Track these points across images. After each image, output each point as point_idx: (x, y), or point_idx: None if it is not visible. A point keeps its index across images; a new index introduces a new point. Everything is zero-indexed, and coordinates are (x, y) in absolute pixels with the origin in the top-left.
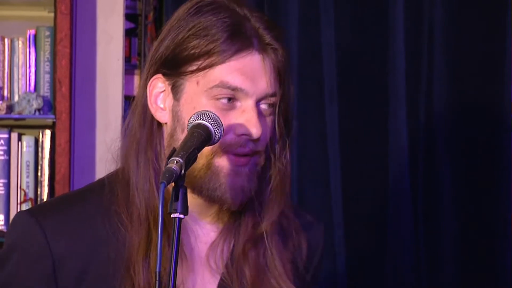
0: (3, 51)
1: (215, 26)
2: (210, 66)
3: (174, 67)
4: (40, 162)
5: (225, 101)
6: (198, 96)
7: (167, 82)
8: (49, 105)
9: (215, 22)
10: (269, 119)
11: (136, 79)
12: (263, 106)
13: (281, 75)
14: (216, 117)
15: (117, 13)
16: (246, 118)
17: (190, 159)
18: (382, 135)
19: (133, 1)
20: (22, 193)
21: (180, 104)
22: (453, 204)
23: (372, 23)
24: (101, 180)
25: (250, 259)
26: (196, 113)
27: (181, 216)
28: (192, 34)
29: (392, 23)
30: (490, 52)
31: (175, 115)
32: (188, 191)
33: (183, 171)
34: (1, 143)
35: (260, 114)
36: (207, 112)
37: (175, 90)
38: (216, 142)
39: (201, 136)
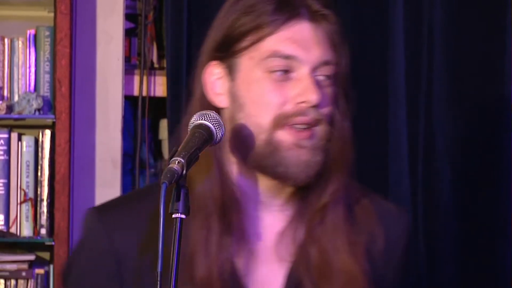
0: (3, 51)
1: (262, 1)
2: (261, 38)
3: (227, 48)
4: (40, 162)
5: (280, 73)
6: (252, 71)
7: (222, 66)
8: (49, 105)
9: None
10: (327, 90)
11: (136, 79)
12: (320, 77)
13: (334, 44)
14: (217, 117)
15: (117, 13)
16: (303, 85)
17: (192, 159)
18: (382, 135)
19: (133, 1)
20: (22, 193)
21: (236, 84)
22: (452, 204)
23: (372, 23)
24: (153, 183)
25: (316, 241)
26: (197, 113)
27: (183, 216)
28: (241, 13)
29: (392, 23)
30: (490, 52)
31: (233, 96)
32: (253, 172)
33: (184, 171)
34: (1, 143)
35: (317, 83)
36: (208, 113)
37: (231, 71)
38: (218, 142)
39: (202, 136)
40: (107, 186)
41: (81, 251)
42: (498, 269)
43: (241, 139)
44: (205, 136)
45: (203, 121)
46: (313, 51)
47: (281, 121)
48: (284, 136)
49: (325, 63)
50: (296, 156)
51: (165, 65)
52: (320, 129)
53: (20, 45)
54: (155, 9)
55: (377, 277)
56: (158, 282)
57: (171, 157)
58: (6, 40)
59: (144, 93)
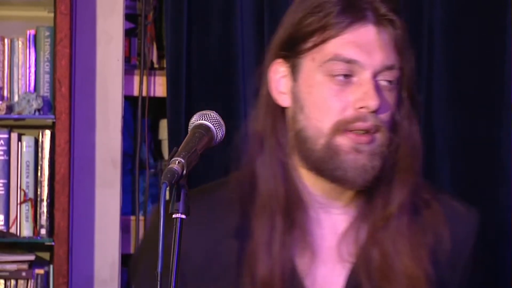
0: (3, 51)
1: (329, 1)
2: (324, 40)
3: (292, 47)
4: (40, 162)
5: (341, 78)
6: (313, 73)
7: (286, 65)
8: (48, 105)
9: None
10: (391, 95)
11: (136, 79)
12: (383, 82)
13: (399, 48)
14: (217, 117)
15: (116, 13)
16: (363, 90)
17: (192, 159)
18: None
19: (133, 1)
20: (22, 193)
21: (298, 84)
22: None
23: None
24: (232, 174)
25: (378, 244)
26: (197, 113)
27: (183, 216)
28: (307, 12)
29: None
30: (490, 52)
31: (295, 96)
32: (313, 173)
33: (184, 171)
34: (1, 143)
35: (378, 88)
36: (208, 113)
37: (294, 71)
38: (218, 143)
39: (202, 137)
40: (107, 186)
41: (147, 247)
42: (498, 269)
43: (301, 141)
44: (205, 136)
45: (203, 121)
46: (376, 55)
47: (341, 127)
48: (343, 140)
49: (388, 68)
50: (354, 160)
51: (165, 65)
52: (380, 135)
53: (20, 45)
54: (155, 9)
55: (443, 279)
56: (158, 283)
57: (171, 157)
58: (6, 40)
59: (144, 93)
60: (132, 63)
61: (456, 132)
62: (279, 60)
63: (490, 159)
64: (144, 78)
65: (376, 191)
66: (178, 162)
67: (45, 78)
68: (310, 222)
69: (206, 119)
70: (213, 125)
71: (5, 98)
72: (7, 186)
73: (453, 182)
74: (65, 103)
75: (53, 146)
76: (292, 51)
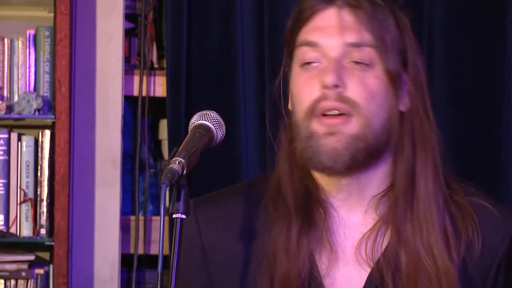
0: (3, 51)
1: None
2: (298, 33)
3: (289, 45)
4: (39, 162)
5: (308, 67)
6: (294, 68)
7: (289, 68)
8: (48, 105)
9: None
10: (366, 76)
11: (136, 79)
12: (351, 64)
13: (370, 27)
14: (217, 117)
15: (116, 13)
16: (324, 70)
17: (192, 159)
18: None
19: (133, 1)
20: (22, 193)
21: (291, 83)
22: None
23: None
24: (260, 175)
25: (405, 243)
26: (198, 113)
27: (183, 216)
28: (292, 15)
29: None
30: (490, 52)
31: (292, 99)
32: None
33: (185, 171)
34: (1, 143)
35: (349, 70)
36: (208, 113)
37: (289, 74)
38: (218, 143)
39: (202, 137)
40: (107, 186)
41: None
42: None
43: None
44: (206, 136)
45: (203, 121)
46: (336, 36)
47: (311, 111)
48: (316, 125)
49: (355, 44)
50: (326, 144)
51: (165, 65)
52: (356, 117)
53: (20, 45)
54: (155, 9)
55: (476, 282)
56: (159, 282)
57: (171, 157)
58: (6, 40)
59: (144, 93)
60: (132, 63)
61: (456, 132)
62: (288, 68)
63: (490, 158)
64: (144, 78)
65: (400, 188)
66: (179, 162)
67: (45, 78)
68: (331, 222)
69: (206, 119)
70: (213, 125)
71: (5, 98)
72: (7, 186)
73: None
74: (65, 103)
75: (53, 146)
76: (289, 50)
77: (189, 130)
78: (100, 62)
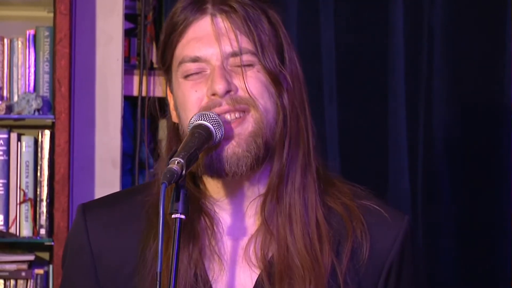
0: (3, 51)
1: (177, 9)
2: (176, 44)
3: (164, 63)
4: (39, 162)
5: (193, 76)
6: (177, 81)
7: (168, 83)
8: (48, 105)
9: (178, 6)
10: (250, 74)
11: (136, 79)
12: (235, 68)
13: (246, 31)
14: (216, 117)
15: (116, 13)
16: (211, 79)
17: (191, 159)
18: (381, 135)
19: (133, 1)
20: (22, 193)
21: (174, 96)
22: (452, 204)
23: (372, 23)
24: (148, 182)
25: (278, 241)
26: (197, 113)
27: (182, 216)
28: (166, 23)
29: (392, 23)
30: (490, 52)
31: (176, 109)
32: (208, 177)
33: (184, 172)
34: (1, 143)
35: (232, 72)
36: (208, 113)
37: (171, 88)
38: (217, 142)
39: (202, 137)
40: (107, 186)
41: (67, 243)
42: (497, 268)
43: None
44: (205, 136)
45: (202, 121)
46: (216, 45)
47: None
48: None
49: (234, 53)
50: (225, 150)
51: None
52: (252, 115)
53: (19, 45)
54: (154, 9)
55: (364, 284)
56: (158, 282)
57: (170, 157)
58: (5, 40)
59: (144, 93)
60: (132, 63)
61: (456, 132)
62: (167, 83)
63: (490, 159)
64: (144, 78)
65: (271, 188)
66: (178, 163)
67: (45, 78)
68: (218, 228)
69: (205, 119)
70: (212, 125)
71: (5, 98)
72: (7, 186)
73: (452, 182)
74: (64, 103)
75: (53, 146)
76: (166, 71)
77: (188, 130)
78: (100, 62)
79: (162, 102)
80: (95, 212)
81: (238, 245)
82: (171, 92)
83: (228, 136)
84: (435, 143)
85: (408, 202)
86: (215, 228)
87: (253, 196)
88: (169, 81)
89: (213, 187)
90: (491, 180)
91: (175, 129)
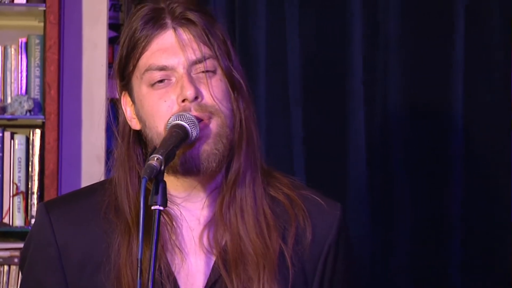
0: None
1: (136, 22)
2: (139, 57)
3: (123, 76)
4: (30, 159)
5: (159, 84)
6: (140, 88)
7: (127, 94)
8: (39, 107)
9: (136, 19)
10: (214, 81)
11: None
12: (199, 74)
13: (205, 40)
14: (192, 118)
15: (101, 22)
16: (180, 86)
17: (169, 156)
18: (342, 136)
19: (116, 12)
20: (14, 186)
21: (137, 105)
22: (408, 201)
23: (333, 33)
24: (103, 181)
25: (229, 228)
26: (175, 114)
27: (161, 208)
28: (125, 40)
29: (351, 32)
30: (439, 61)
31: (139, 117)
32: (172, 177)
33: (162, 167)
34: None
35: (193, 80)
36: (184, 114)
37: (131, 95)
38: (193, 140)
39: (179, 135)
40: (93, 180)
41: (31, 239)
42: (498, 269)
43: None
44: (181, 135)
45: (179, 121)
46: (180, 55)
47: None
48: None
49: (198, 61)
50: (196, 148)
51: None
52: (216, 119)
53: (12, 52)
54: None
55: (305, 266)
56: (139, 268)
57: (150, 154)
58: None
59: None
60: None
61: (409, 132)
62: (124, 93)
63: (439, 156)
64: None
65: (228, 184)
66: (157, 159)
67: (36, 82)
68: (177, 222)
69: (182, 120)
70: (188, 124)
71: None
72: (1, 180)
73: (409, 181)
74: (54, 105)
75: (43, 144)
76: (124, 80)
77: (166, 129)
78: (86, 68)
79: None
80: (58, 209)
81: (195, 236)
82: (132, 101)
83: (199, 137)
84: (392, 142)
85: (366, 198)
86: (174, 223)
87: (209, 190)
88: (127, 91)
89: (171, 184)
90: (442, 175)
91: (134, 135)
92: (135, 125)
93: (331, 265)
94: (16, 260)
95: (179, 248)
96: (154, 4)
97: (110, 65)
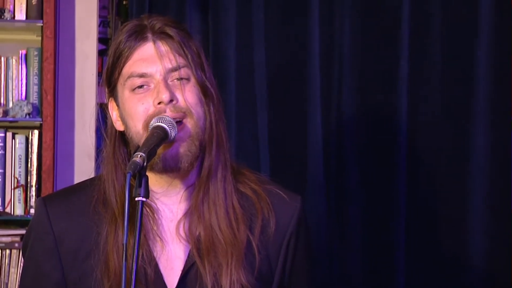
0: (0, 67)
1: (121, 35)
2: (123, 66)
3: (110, 82)
4: (29, 156)
5: (139, 89)
6: (123, 93)
7: (113, 99)
8: (37, 110)
9: (122, 33)
10: (188, 88)
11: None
12: (175, 81)
13: (181, 52)
14: (171, 120)
15: (91, 37)
16: (157, 91)
17: (151, 153)
18: (301, 137)
19: (105, 28)
20: (15, 180)
21: (120, 108)
22: (359, 193)
23: (294, 43)
24: (93, 178)
25: (202, 219)
26: (156, 117)
27: (143, 199)
28: (112, 51)
29: (310, 43)
30: (386, 70)
31: (122, 119)
32: (151, 173)
33: (145, 163)
34: None
35: (168, 86)
36: (164, 116)
37: (116, 100)
38: (172, 140)
39: (159, 135)
40: (84, 175)
41: (31, 230)
42: (498, 268)
43: (136, 149)
44: (162, 135)
45: (160, 123)
46: (158, 64)
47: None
48: None
49: (174, 69)
50: (171, 149)
51: None
52: (189, 120)
53: (13, 63)
54: None
55: (269, 253)
56: (124, 252)
57: (134, 152)
58: (2, 58)
59: None
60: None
61: (360, 134)
62: (111, 99)
63: (386, 154)
64: None
65: (202, 180)
66: (140, 156)
67: (34, 89)
68: (157, 214)
69: (162, 122)
70: (167, 126)
71: (2, 104)
72: (3, 175)
73: (359, 175)
74: (50, 109)
75: (41, 143)
76: (111, 86)
77: (149, 130)
78: (78, 76)
79: None
80: (54, 203)
81: (173, 227)
82: (117, 105)
83: (176, 139)
84: (345, 142)
85: (322, 193)
86: (155, 215)
87: (185, 186)
88: (113, 97)
89: (151, 180)
90: (387, 171)
91: (119, 136)
92: (120, 126)
93: (292, 251)
94: (16, 245)
95: (159, 237)
96: (138, 21)
97: (99, 74)
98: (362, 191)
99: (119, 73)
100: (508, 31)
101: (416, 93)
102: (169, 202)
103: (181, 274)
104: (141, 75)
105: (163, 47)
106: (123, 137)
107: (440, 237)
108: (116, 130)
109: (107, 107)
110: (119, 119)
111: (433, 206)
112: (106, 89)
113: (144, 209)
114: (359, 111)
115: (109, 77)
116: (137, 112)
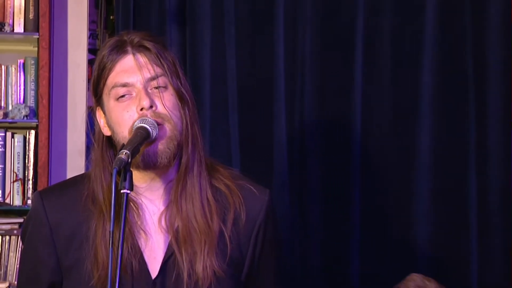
0: (1, 74)
1: (104, 50)
2: (107, 77)
3: (96, 92)
4: (27, 153)
5: (122, 98)
6: (108, 102)
7: (100, 107)
8: (33, 113)
9: (105, 48)
10: (166, 95)
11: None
12: (154, 89)
13: (158, 63)
14: (153, 122)
15: (82, 47)
16: (138, 98)
17: (135, 151)
18: (268, 136)
19: (94, 40)
20: (14, 175)
21: (107, 116)
22: (319, 187)
23: (262, 53)
24: (83, 174)
25: (179, 210)
26: (139, 119)
27: (128, 191)
28: (97, 64)
29: (276, 53)
30: (344, 78)
31: (109, 125)
32: (136, 171)
33: (130, 160)
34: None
35: (148, 93)
36: (147, 118)
37: (103, 109)
38: (153, 139)
39: (142, 135)
40: (75, 170)
41: (29, 220)
42: (498, 268)
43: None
44: (144, 135)
45: (143, 124)
46: (138, 74)
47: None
48: None
49: (151, 79)
50: (153, 148)
51: None
52: (168, 124)
53: (13, 70)
54: None
55: (240, 243)
56: (110, 239)
57: (120, 149)
58: (2, 67)
59: None
60: None
61: (321, 134)
62: (98, 107)
63: (345, 153)
64: None
65: (180, 176)
66: (125, 153)
67: (31, 93)
68: (141, 209)
69: (145, 123)
70: (149, 126)
71: (2, 107)
72: (3, 170)
73: (319, 170)
74: (45, 111)
75: (37, 141)
76: (97, 96)
77: (133, 130)
78: (71, 82)
79: None
80: (50, 196)
81: (155, 220)
82: (104, 113)
83: (157, 138)
84: (307, 141)
85: (287, 187)
86: (139, 210)
87: (165, 182)
88: (100, 105)
89: (137, 177)
90: (345, 170)
91: (106, 140)
92: (107, 132)
93: (261, 239)
94: (15, 232)
95: (143, 230)
96: (118, 37)
97: (89, 80)
98: (322, 187)
99: (104, 84)
100: (453, 44)
101: (369, 98)
102: (152, 196)
103: (162, 262)
104: (124, 85)
105: (142, 58)
106: (110, 141)
107: (389, 226)
108: (103, 135)
109: (95, 115)
110: (106, 125)
111: (383, 199)
112: (93, 99)
113: (129, 204)
114: (320, 114)
115: (95, 88)
116: (123, 119)
